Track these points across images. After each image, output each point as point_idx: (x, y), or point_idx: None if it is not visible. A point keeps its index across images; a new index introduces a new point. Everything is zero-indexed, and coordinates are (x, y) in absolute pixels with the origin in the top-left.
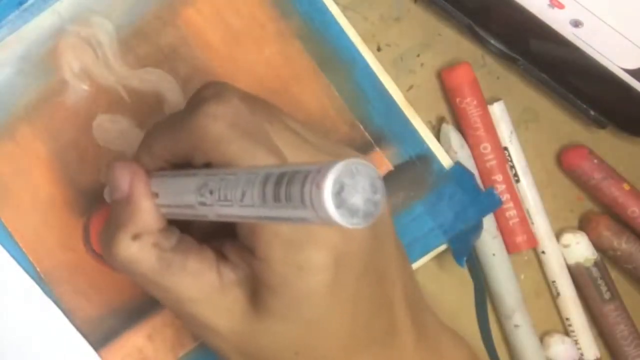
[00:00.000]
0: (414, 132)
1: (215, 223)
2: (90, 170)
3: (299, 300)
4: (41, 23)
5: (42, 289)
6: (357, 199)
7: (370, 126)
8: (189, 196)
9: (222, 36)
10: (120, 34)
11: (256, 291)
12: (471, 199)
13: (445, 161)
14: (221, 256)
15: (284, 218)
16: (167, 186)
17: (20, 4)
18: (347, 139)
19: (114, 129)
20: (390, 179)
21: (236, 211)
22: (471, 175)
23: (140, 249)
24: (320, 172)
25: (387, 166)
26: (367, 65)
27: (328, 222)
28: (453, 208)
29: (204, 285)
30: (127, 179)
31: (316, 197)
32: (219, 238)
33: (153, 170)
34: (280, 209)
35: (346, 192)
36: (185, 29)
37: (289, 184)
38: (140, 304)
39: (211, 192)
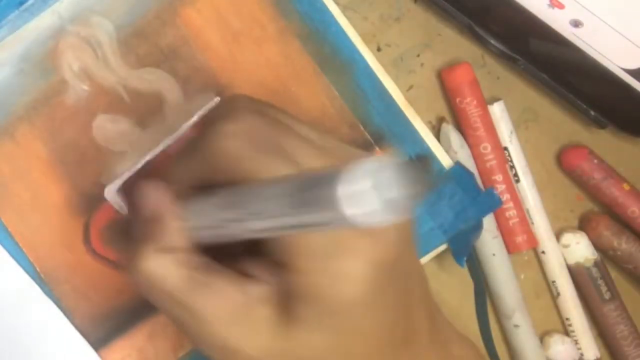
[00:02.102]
0: (414, 132)
1: (235, 244)
2: (91, 170)
3: (335, 310)
4: (41, 23)
5: (42, 289)
6: (393, 193)
7: (370, 126)
8: (218, 215)
9: (222, 36)
10: (120, 34)
11: (287, 305)
12: (471, 199)
13: (445, 161)
14: (244, 275)
15: (317, 223)
16: (193, 208)
17: (21, 4)
18: (347, 139)
19: (114, 129)
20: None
21: (268, 223)
22: (471, 175)
23: (166, 265)
24: (353, 170)
25: None
26: (367, 65)
27: (366, 220)
28: (453, 208)
29: (230, 305)
30: (154, 197)
31: (351, 196)
32: (238, 259)
33: (179, 197)
34: (313, 213)
35: (382, 187)
36: (185, 29)
37: (319, 188)
38: (141, 304)
39: (240, 208)
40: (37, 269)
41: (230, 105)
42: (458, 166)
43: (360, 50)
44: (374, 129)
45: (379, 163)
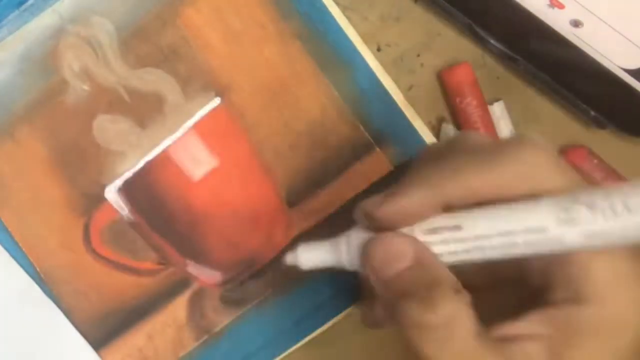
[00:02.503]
0: (414, 132)
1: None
2: (91, 170)
3: (637, 342)
4: (41, 23)
5: (42, 289)
6: None
7: (371, 126)
8: (540, 217)
9: (222, 36)
10: (121, 34)
11: (566, 354)
12: None
13: None
14: (499, 339)
15: None
16: (482, 217)
17: (21, 4)
18: (348, 139)
19: (114, 129)
20: (391, 179)
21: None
22: None
23: (462, 306)
24: None
25: (387, 166)
26: (367, 66)
27: None
28: None
29: None
30: (412, 247)
31: None
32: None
33: (428, 211)
34: None
35: None
36: (185, 29)
37: None
38: (141, 304)
39: (591, 207)
40: (37, 269)
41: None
42: None
43: (360, 50)
44: (374, 129)
45: None
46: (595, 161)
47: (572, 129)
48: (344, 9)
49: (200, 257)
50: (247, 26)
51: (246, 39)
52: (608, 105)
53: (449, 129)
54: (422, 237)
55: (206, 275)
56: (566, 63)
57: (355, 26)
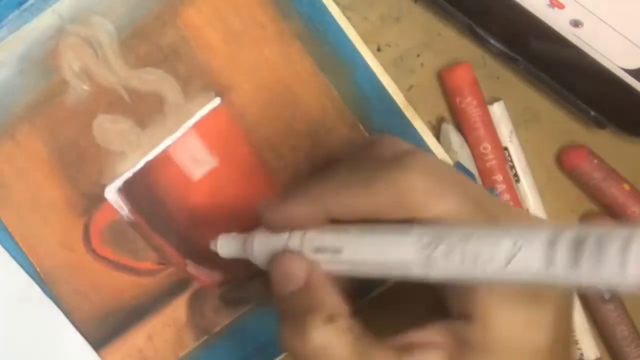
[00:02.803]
0: (414, 132)
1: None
2: (91, 170)
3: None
4: (41, 23)
5: (42, 289)
6: None
7: (370, 127)
8: (403, 254)
9: (222, 36)
10: (121, 34)
11: None
12: None
13: (446, 161)
14: (402, 348)
15: (578, 281)
16: (360, 242)
17: (21, 4)
18: (347, 139)
19: (114, 129)
20: None
21: (490, 274)
22: (471, 175)
23: (335, 333)
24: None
25: None
26: (367, 66)
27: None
28: None
29: None
30: (302, 268)
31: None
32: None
33: (309, 222)
34: (581, 271)
35: None
36: (185, 29)
37: (596, 247)
38: (141, 304)
39: (447, 252)
40: (37, 269)
41: (396, 144)
42: (458, 166)
43: (360, 50)
44: (374, 129)
45: None
46: (595, 161)
47: (572, 129)
48: (344, 9)
49: (200, 257)
50: (247, 26)
51: (246, 39)
52: (608, 105)
53: (449, 129)
54: (310, 255)
55: (206, 276)
56: (566, 63)
57: (355, 26)
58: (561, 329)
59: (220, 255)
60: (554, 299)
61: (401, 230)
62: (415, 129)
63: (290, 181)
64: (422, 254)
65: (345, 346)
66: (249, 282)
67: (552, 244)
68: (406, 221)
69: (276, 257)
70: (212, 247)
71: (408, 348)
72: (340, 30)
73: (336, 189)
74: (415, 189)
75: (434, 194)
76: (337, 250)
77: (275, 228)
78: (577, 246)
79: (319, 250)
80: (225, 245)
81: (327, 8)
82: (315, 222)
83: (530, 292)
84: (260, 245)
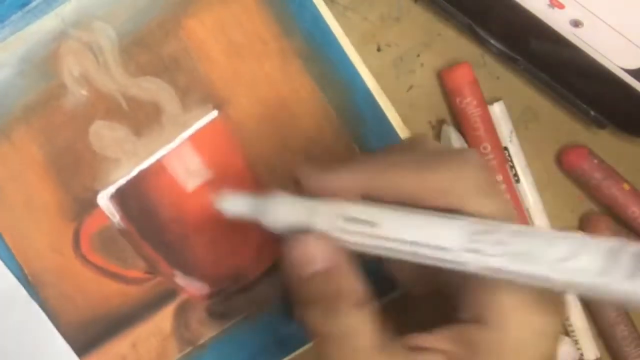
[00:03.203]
0: None
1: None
2: (85, 176)
3: None
4: (43, 26)
5: (28, 291)
6: None
7: (366, 148)
8: (449, 238)
9: (223, 49)
10: (122, 41)
11: None
12: None
13: None
14: (411, 348)
15: (621, 298)
16: (400, 219)
17: (24, 5)
18: (343, 159)
19: (110, 136)
20: None
21: (539, 272)
22: None
23: (363, 319)
24: None
25: None
26: (366, 88)
27: None
28: None
29: None
30: (326, 252)
31: None
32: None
33: (350, 193)
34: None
35: None
36: (187, 40)
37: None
38: (127, 312)
39: (499, 243)
40: (25, 270)
41: (449, 145)
42: None
43: (360, 72)
44: (369, 150)
45: None
46: (595, 161)
47: (572, 129)
48: (344, 9)
49: (188, 268)
50: (249, 41)
51: (247, 54)
52: (608, 105)
53: (449, 130)
54: (337, 233)
55: (193, 287)
56: (566, 63)
57: (355, 26)
58: (558, 340)
59: (225, 213)
60: (562, 309)
61: (448, 215)
62: None
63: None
64: (468, 241)
65: (370, 334)
66: (236, 295)
67: (614, 253)
68: (449, 211)
69: (299, 236)
70: (216, 204)
71: (416, 350)
72: (341, 50)
73: (384, 167)
74: (468, 182)
75: (484, 192)
76: (373, 224)
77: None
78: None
79: (352, 220)
80: (234, 204)
81: (329, 28)
82: (354, 196)
83: (544, 300)
84: (281, 209)
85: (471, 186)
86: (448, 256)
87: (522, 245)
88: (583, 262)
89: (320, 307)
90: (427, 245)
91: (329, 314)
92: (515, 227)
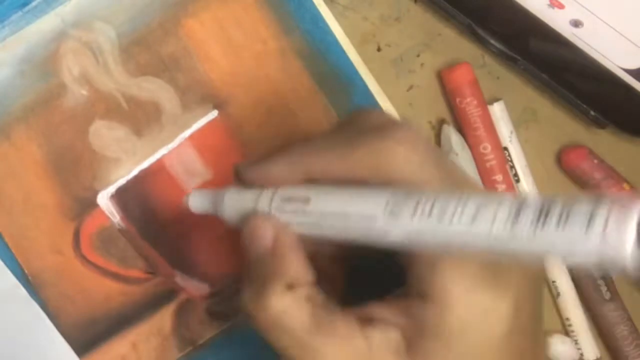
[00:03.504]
0: None
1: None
2: (84, 175)
3: (478, 348)
4: (43, 26)
5: (28, 291)
6: None
7: None
8: (371, 206)
9: (223, 49)
10: (122, 41)
11: (416, 348)
12: None
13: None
14: (364, 320)
15: (532, 251)
16: (329, 194)
17: (24, 5)
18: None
19: (110, 136)
20: None
21: (453, 232)
22: None
23: (294, 301)
24: (624, 206)
25: None
26: (365, 87)
27: (608, 259)
28: None
29: (353, 351)
30: (270, 232)
31: (616, 231)
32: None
33: (287, 181)
34: (544, 235)
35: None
36: (187, 40)
37: (565, 208)
38: (127, 312)
39: (416, 204)
40: (25, 270)
41: (389, 117)
42: None
43: (359, 71)
44: None
45: None
46: (595, 161)
47: (572, 129)
48: (344, 9)
49: (188, 268)
50: (249, 41)
51: (247, 54)
52: (608, 105)
53: (450, 131)
54: (280, 215)
55: (194, 287)
56: (566, 63)
57: (355, 26)
58: (521, 320)
59: (192, 210)
60: (515, 287)
61: (373, 189)
62: None
63: None
64: (389, 205)
65: (304, 315)
66: (236, 295)
67: (519, 207)
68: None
69: (246, 217)
70: (184, 202)
71: (370, 320)
72: (341, 50)
73: (317, 151)
74: (396, 156)
75: (414, 163)
76: (305, 200)
77: (251, 185)
78: (543, 211)
79: (288, 200)
80: (197, 200)
81: (329, 28)
82: (293, 182)
83: (491, 278)
84: (231, 201)
85: (400, 160)
86: (373, 225)
87: (436, 209)
88: (491, 220)
89: (253, 287)
90: (354, 215)
91: (259, 295)
92: (431, 191)
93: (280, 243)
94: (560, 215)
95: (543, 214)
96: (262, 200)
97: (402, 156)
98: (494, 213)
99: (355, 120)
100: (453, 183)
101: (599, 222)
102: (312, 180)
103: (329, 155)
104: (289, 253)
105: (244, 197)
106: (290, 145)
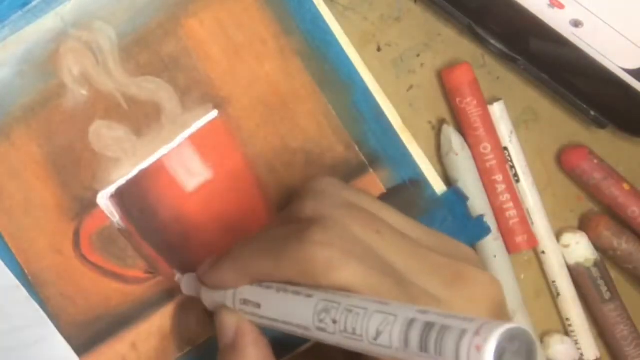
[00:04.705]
0: (408, 156)
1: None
2: (84, 175)
3: None
4: (43, 25)
5: (29, 291)
6: None
7: (366, 147)
8: (304, 318)
9: (223, 49)
10: (122, 41)
11: None
12: (461, 226)
13: (438, 186)
14: None
15: None
16: (274, 301)
17: (24, 5)
18: (342, 159)
19: (110, 136)
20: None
21: (366, 347)
22: (465, 200)
23: None
24: (481, 333)
25: (379, 188)
26: (365, 87)
27: None
28: (443, 232)
29: None
30: (233, 327)
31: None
32: None
33: (237, 285)
34: (426, 359)
35: (506, 357)
36: (187, 39)
37: (439, 337)
38: (126, 312)
39: (334, 322)
40: (25, 270)
41: (320, 203)
42: (452, 191)
43: (360, 71)
44: (369, 150)
45: (512, 331)
46: (595, 161)
47: (572, 129)
48: (344, 9)
49: (188, 268)
50: (249, 40)
51: (247, 53)
52: (608, 105)
53: (450, 131)
54: (239, 305)
55: None
56: (566, 63)
57: (355, 26)
58: None
59: (183, 291)
60: None
61: (306, 294)
62: (409, 153)
63: (282, 197)
64: (316, 320)
65: None
66: None
67: (410, 325)
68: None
69: (217, 310)
70: (177, 279)
71: None
72: (341, 49)
73: (255, 259)
74: (315, 261)
75: (333, 266)
76: (257, 305)
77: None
78: (427, 332)
79: (244, 302)
80: (186, 285)
81: (329, 28)
82: (244, 284)
83: None
84: (206, 295)
85: (320, 264)
86: (311, 334)
87: (349, 323)
88: (388, 338)
89: None
90: (295, 324)
91: None
92: (351, 301)
93: (241, 338)
94: (436, 343)
95: (423, 341)
96: (227, 298)
97: (322, 260)
98: (389, 334)
99: (292, 209)
100: (384, 281)
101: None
102: (260, 281)
103: (264, 262)
104: (248, 347)
105: (215, 293)
106: (237, 249)
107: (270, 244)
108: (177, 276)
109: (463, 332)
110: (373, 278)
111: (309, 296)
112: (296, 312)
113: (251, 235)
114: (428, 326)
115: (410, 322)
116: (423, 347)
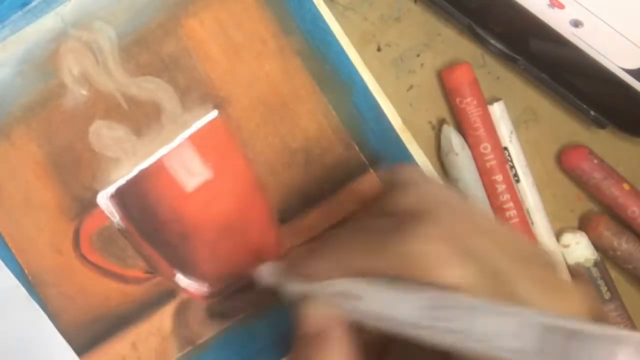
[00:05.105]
0: (408, 157)
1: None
2: (84, 175)
3: None
4: (43, 25)
5: (29, 291)
6: None
7: (366, 148)
8: (410, 314)
9: (223, 49)
10: (122, 41)
11: None
12: None
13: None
14: None
15: None
16: (378, 295)
17: (24, 5)
18: (343, 159)
19: (110, 136)
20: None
21: (479, 348)
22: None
23: None
24: (621, 343)
25: (379, 188)
26: (365, 87)
27: None
28: None
29: None
30: (321, 318)
31: None
32: None
33: (336, 277)
34: None
35: None
36: (187, 40)
37: (585, 345)
38: (126, 312)
39: (445, 320)
40: (25, 270)
41: (423, 197)
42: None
43: (360, 71)
44: (370, 150)
45: None
46: (595, 161)
47: (572, 129)
48: (344, 9)
49: (188, 268)
50: (249, 40)
51: (247, 53)
52: (608, 105)
53: (450, 131)
54: (331, 298)
55: (193, 287)
56: (566, 63)
57: (355, 26)
58: None
59: (260, 282)
60: None
61: (415, 289)
62: (410, 153)
63: (282, 197)
64: (424, 317)
65: None
66: (236, 295)
67: (547, 332)
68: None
69: (301, 300)
70: (255, 275)
71: None
72: (341, 50)
73: (355, 252)
74: (424, 255)
75: (444, 262)
76: (358, 298)
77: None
78: (569, 340)
79: (341, 295)
80: (267, 274)
81: (329, 28)
82: (344, 277)
83: None
84: (292, 285)
85: (431, 259)
86: (419, 332)
87: (467, 324)
88: (519, 342)
89: None
90: (398, 323)
91: None
92: (467, 302)
93: (329, 330)
94: (585, 349)
95: (569, 344)
96: (319, 289)
97: (432, 255)
98: (518, 337)
99: (384, 202)
100: (492, 282)
101: None
102: (360, 274)
103: (365, 255)
104: (336, 340)
105: (304, 284)
106: (330, 240)
107: (368, 237)
108: (255, 272)
109: (600, 339)
110: (484, 278)
111: (419, 292)
112: (402, 308)
113: (344, 228)
114: (570, 333)
115: (549, 328)
116: (565, 354)
